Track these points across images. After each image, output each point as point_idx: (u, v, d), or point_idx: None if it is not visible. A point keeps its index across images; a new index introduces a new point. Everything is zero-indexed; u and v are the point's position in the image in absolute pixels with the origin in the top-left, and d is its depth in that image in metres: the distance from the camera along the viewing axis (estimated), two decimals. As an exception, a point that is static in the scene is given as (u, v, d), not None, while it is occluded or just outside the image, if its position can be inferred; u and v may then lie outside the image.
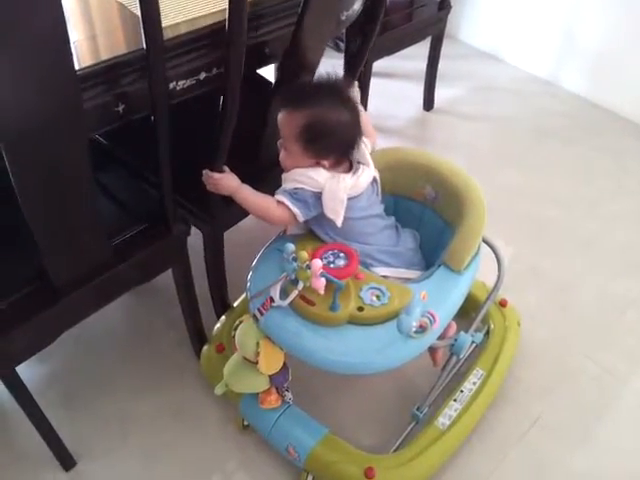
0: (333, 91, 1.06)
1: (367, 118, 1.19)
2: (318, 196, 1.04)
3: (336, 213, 1.04)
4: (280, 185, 1.08)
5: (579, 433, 1.29)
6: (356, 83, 1.26)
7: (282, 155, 1.08)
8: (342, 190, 1.04)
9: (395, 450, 1.18)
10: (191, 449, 1.25)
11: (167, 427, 1.28)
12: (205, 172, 1.06)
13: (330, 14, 1.12)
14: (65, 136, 0.83)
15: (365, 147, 1.12)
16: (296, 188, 1.04)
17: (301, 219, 1.05)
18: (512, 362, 1.36)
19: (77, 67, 0.88)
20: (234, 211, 1.15)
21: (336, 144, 1.05)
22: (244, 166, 1.10)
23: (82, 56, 0.97)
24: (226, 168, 1.08)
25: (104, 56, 0.96)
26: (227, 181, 1.06)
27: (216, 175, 1.06)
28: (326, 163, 1.05)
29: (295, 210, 1.04)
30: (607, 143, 2.13)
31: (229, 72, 0.96)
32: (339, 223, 1.05)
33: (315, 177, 1.04)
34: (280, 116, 1.05)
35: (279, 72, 1.09)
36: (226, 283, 1.37)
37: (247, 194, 1.06)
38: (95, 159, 0.90)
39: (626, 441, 1.28)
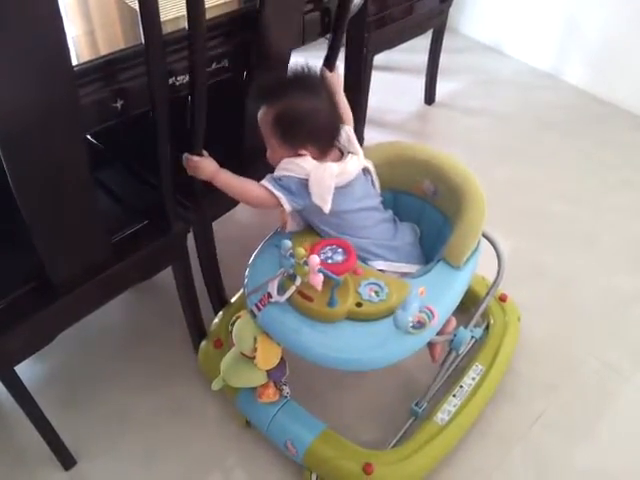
0: (301, 81, 1.07)
1: (345, 105, 1.19)
2: (304, 183, 1.05)
3: (323, 199, 1.04)
4: (262, 177, 1.08)
5: (582, 430, 1.28)
6: (336, 69, 1.28)
7: (268, 153, 1.10)
8: (328, 177, 1.04)
9: (394, 446, 1.18)
10: (190, 446, 1.25)
11: (166, 424, 1.28)
12: (184, 155, 1.07)
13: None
14: (62, 133, 0.83)
15: (351, 134, 1.13)
16: (283, 175, 1.05)
17: (287, 206, 1.05)
18: (513, 358, 1.35)
19: (75, 62, 0.87)
20: (219, 199, 1.15)
21: (309, 132, 1.05)
22: (227, 158, 1.10)
23: (80, 51, 0.97)
24: (205, 152, 1.09)
25: (102, 51, 0.96)
26: (206, 164, 1.07)
27: (195, 158, 1.06)
28: (305, 152, 1.05)
29: (278, 194, 1.04)
30: (610, 136, 2.12)
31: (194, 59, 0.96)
32: (326, 210, 1.05)
33: (302, 164, 1.05)
34: (258, 115, 1.07)
35: (251, 59, 1.10)
36: (220, 276, 1.37)
37: (226, 177, 1.07)
38: (94, 156, 0.90)
39: (629, 438, 1.27)
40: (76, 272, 1.00)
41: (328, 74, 1.22)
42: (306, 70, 1.09)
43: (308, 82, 1.08)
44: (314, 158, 1.06)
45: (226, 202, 1.24)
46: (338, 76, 1.25)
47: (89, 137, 1.29)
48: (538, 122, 2.18)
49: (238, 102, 1.16)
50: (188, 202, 1.20)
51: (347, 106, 1.20)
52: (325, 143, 1.08)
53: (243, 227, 1.65)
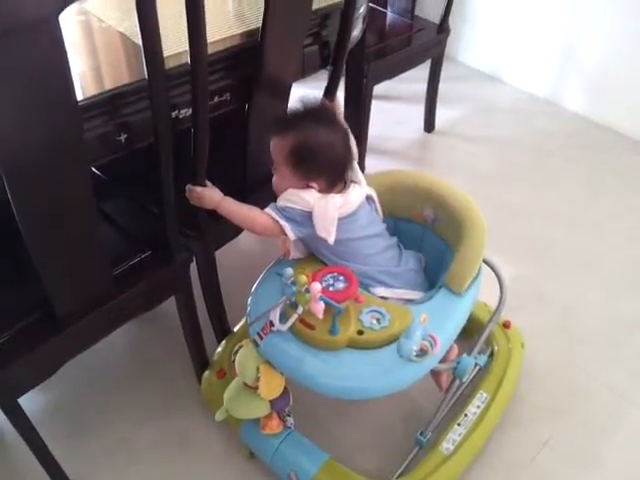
0: (320, 114, 1.09)
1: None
2: (308, 215, 1.06)
3: (327, 231, 1.05)
4: (264, 207, 1.09)
5: (589, 456, 1.27)
6: (336, 98, 1.31)
7: (275, 179, 1.11)
8: (331, 209, 1.05)
9: (398, 476, 1.16)
10: (194, 477, 1.23)
11: (171, 456, 1.27)
12: (188, 187, 1.08)
13: (293, 29, 1.14)
14: (67, 166, 0.84)
15: (354, 164, 1.14)
16: (287, 207, 1.06)
17: (291, 234, 1.06)
18: (518, 384, 1.34)
19: (81, 97, 0.90)
20: (223, 228, 1.16)
21: (323, 166, 1.07)
22: (230, 187, 1.12)
23: (86, 86, 0.99)
24: (209, 182, 1.10)
25: (107, 86, 0.98)
26: (210, 193, 1.08)
27: (198, 188, 1.07)
28: (315, 185, 1.07)
29: (283, 222, 1.05)
30: (610, 161, 2.14)
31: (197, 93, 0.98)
32: (331, 241, 1.06)
33: (306, 197, 1.05)
34: (272, 142, 1.08)
35: (252, 92, 1.12)
36: (223, 305, 1.37)
37: (230, 205, 1.08)
38: (97, 187, 0.91)
39: (636, 463, 1.25)
40: (79, 304, 1.00)
41: (328, 104, 1.24)
42: (321, 103, 1.11)
43: (326, 116, 1.09)
44: (321, 190, 1.07)
45: (229, 231, 1.25)
46: (338, 106, 1.27)
47: (93, 168, 1.31)
48: (538, 148, 2.20)
49: (240, 134, 1.18)
50: (191, 232, 1.21)
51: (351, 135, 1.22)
52: (336, 177, 1.10)
53: (245, 255, 1.66)
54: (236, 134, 1.18)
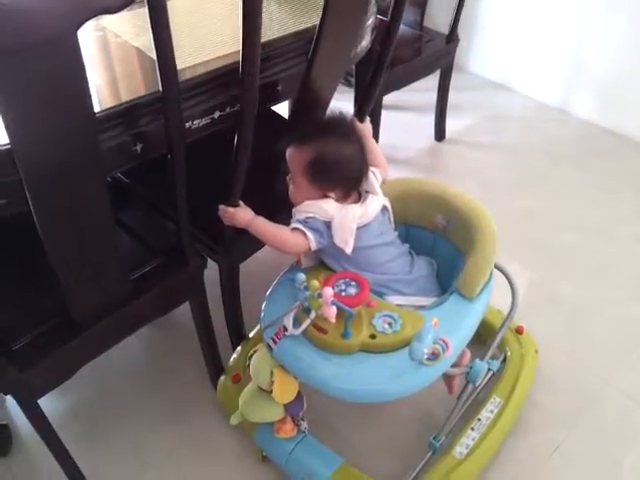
0: (338, 126, 1.11)
1: (378, 150, 1.22)
2: (328, 225, 1.07)
3: (345, 242, 1.07)
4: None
5: (602, 462, 1.26)
6: (367, 118, 1.30)
7: (291, 189, 1.12)
8: (351, 220, 1.07)
9: (412, 480, 1.17)
10: (209, 481, 1.25)
11: (186, 459, 1.29)
12: (221, 207, 1.10)
13: (341, 53, 1.16)
14: (85, 176, 0.87)
15: (374, 177, 1.15)
16: (308, 217, 1.07)
17: (314, 247, 1.07)
18: (531, 389, 1.34)
19: (98, 109, 0.92)
20: (248, 243, 1.18)
21: (341, 178, 1.08)
22: (260, 200, 1.13)
23: (103, 99, 1.02)
24: (241, 202, 1.12)
25: (123, 98, 1.01)
26: (242, 214, 1.10)
27: (231, 209, 1.09)
28: (333, 195, 1.08)
29: (310, 236, 1.06)
30: (621, 167, 2.14)
31: (243, 111, 1.00)
32: (348, 251, 1.07)
33: (325, 207, 1.07)
34: (288, 151, 1.10)
35: (292, 109, 1.13)
36: (242, 314, 1.39)
37: (261, 225, 1.10)
38: (114, 196, 0.93)
39: (651, 469, 1.25)
40: (96, 308, 1.03)
41: (359, 124, 1.23)
42: (342, 117, 1.13)
43: (344, 129, 1.11)
44: (336, 200, 1.09)
45: (254, 245, 1.26)
46: (369, 126, 1.27)
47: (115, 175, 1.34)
48: (548, 156, 2.20)
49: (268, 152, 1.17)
50: (218, 247, 1.23)
51: (379, 152, 1.23)
52: (352, 188, 1.12)
53: (260, 262, 1.67)
54: (265, 152, 1.19)
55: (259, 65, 0.94)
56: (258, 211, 1.12)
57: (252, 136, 1.02)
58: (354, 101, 1.49)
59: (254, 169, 1.09)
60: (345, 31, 1.12)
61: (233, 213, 1.09)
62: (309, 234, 1.06)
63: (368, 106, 1.31)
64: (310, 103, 1.16)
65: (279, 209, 1.17)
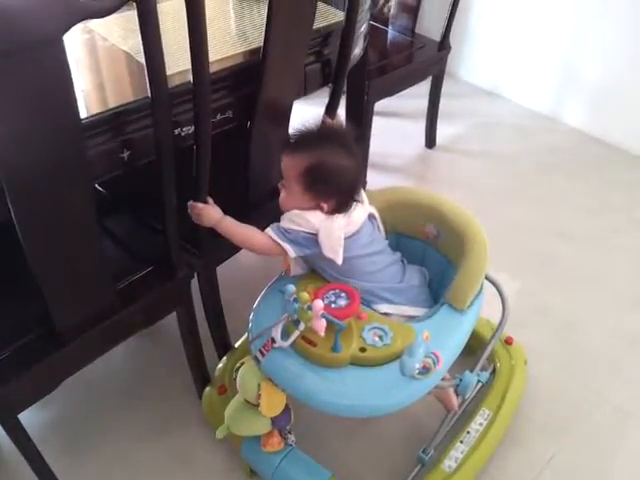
0: (338, 137, 1.09)
1: None
2: (312, 237, 1.06)
3: (335, 252, 1.05)
4: (266, 224, 1.09)
5: (593, 474, 1.25)
6: (337, 116, 1.32)
7: (283, 196, 1.10)
8: (337, 229, 1.05)
9: (401, 494, 1.16)
10: (195, 495, 1.23)
11: (172, 473, 1.26)
12: (189, 203, 1.09)
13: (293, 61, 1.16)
14: (70, 183, 0.85)
15: None
16: (290, 229, 1.05)
17: (292, 254, 1.06)
18: (521, 401, 1.33)
19: (85, 115, 0.90)
20: (223, 245, 1.16)
21: (336, 188, 1.06)
22: (232, 204, 1.12)
23: (90, 104, 1.00)
24: (210, 200, 1.10)
25: (111, 104, 0.99)
26: (209, 211, 1.08)
27: (199, 205, 1.08)
28: (325, 206, 1.06)
29: (284, 245, 1.05)
30: (611, 177, 2.14)
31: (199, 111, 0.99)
32: (339, 261, 1.06)
33: (311, 220, 1.05)
34: (284, 158, 1.08)
35: (254, 110, 1.13)
36: (224, 322, 1.37)
37: (229, 224, 1.09)
38: (100, 203, 0.91)
39: (641, 482, 1.25)
40: (81, 319, 1.00)
41: (329, 121, 1.24)
42: (338, 124, 1.12)
43: (344, 139, 1.09)
44: (328, 212, 1.07)
45: (230, 247, 1.24)
46: (340, 124, 1.27)
47: (96, 185, 1.32)
48: (539, 164, 2.20)
49: (242, 150, 1.19)
50: (193, 248, 1.21)
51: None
52: (347, 200, 1.09)
53: (247, 270, 1.66)
54: (238, 151, 1.19)
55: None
56: (230, 215, 1.11)
57: (209, 133, 1.02)
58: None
59: (226, 173, 1.09)
60: (294, 41, 1.11)
61: (201, 209, 1.08)
62: (284, 244, 1.05)
63: (337, 102, 1.32)
64: (270, 101, 1.15)
65: (251, 211, 1.16)
